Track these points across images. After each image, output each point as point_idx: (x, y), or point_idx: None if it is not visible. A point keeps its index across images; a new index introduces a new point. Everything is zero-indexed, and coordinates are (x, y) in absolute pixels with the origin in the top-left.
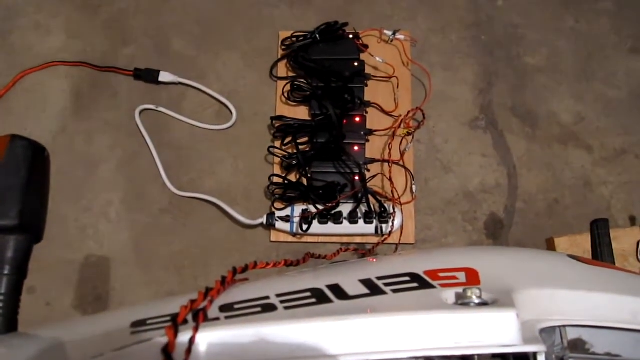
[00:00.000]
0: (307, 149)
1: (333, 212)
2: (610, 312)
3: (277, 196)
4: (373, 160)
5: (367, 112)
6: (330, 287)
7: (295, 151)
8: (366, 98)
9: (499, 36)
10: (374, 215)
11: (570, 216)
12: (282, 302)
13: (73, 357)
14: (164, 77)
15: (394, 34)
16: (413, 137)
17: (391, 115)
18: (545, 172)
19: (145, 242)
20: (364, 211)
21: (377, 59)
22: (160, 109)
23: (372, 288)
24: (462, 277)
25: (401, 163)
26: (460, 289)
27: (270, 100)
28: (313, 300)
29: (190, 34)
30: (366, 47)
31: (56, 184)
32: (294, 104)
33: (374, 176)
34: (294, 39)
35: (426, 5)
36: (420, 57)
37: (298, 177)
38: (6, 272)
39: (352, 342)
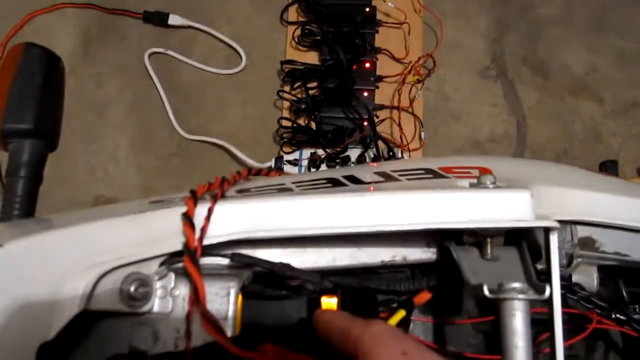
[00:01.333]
0: (317, 94)
1: (341, 155)
2: (622, 212)
3: (285, 140)
4: (382, 107)
5: (377, 59)
6: (346, 176)
7: (304, 95)
8: (377, 44)
9: None
10: (382, 160)
11: (578, 166)
12: (297, 186)
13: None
14: (174, 20)
15: None
16: (423, 85)
17: (401, 62)
18: (555, 122)
19: (154, 185)
20: (372, 156)
21: (389, 4)
22: (170, 52)
23: (387, 177)
24: (475, 172)
25: (410, 110)
26: (474, 180)
27: (280, 45)
28: (328, 185)
29: None
30: None
31: (66, 127)
32: (304, 48)
33: (382, 120)
34: None
35: None
36: (433, 4)
37: (307, 121)
38: (22, 174)
39: (365, 217)
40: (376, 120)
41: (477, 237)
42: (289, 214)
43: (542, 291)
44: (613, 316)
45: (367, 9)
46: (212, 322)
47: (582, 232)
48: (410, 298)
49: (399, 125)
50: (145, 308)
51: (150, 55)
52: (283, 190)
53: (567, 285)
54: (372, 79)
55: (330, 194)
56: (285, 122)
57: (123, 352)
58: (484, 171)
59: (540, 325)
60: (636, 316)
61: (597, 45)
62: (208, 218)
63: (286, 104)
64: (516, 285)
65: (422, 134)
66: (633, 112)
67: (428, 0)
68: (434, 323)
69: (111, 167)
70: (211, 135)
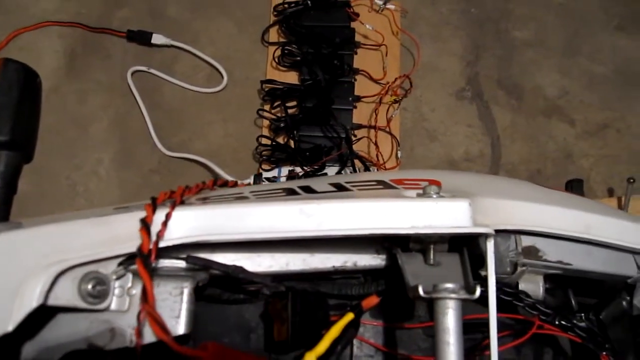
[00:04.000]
0: (296, 113)
1: (319, 173)
2: (564, 223)
3: (264, 157)
4: (360, 126)
5: (355, 79)
6: (301, 187)
7: (284, 114)
8: (355, 65)
9: (489, 10)
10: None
11: (550, 185)
12: (254, 195)
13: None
14: (157, 39)
15: (385, 3)
16: (400, 105)
17: (379, 83)
18: (529, 143)
19: (134, 200)
20: (349, 174)
21: (367, 26)
22: (152, 70)
23: (340, 187)
24: (424, 184)
25: (387, 129)
26: (420, 191)
27: (261, 65)
28: (282, 194)
29: None
30: (357, 15)
31: (48, 142)
32: (284, 69)
33: (359, 139)
34: (286, 5)
35: None
36: (410, 28)
37: (286, 139)
38: None
39: (311, 223)
40: (354, 139)
41: (422, 244)
42: (240, 219)
43: (473, 292)
44: (557, 323)
45: (346, 31)
46: (157, 322)
47: (527, 241)
48: (360, 302)
49: (376, 144)
50: (103, 305)
51: (133, 73)
52: (240, 198)
53: (513, 292)
54: (350, 98)
55: (280, 201)
56: (264, 140)
57: (81, 348)
58: (432, 183)
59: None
60: (582, 324)
61: (569, 68)
62: (165, 223)
63: (266, 122)
64: (448, 285)
65: (399, 153)
66: (603, 133)
67: (406, 23)
68: (385, 327)
69: (92, 182)
70: (192, 153)
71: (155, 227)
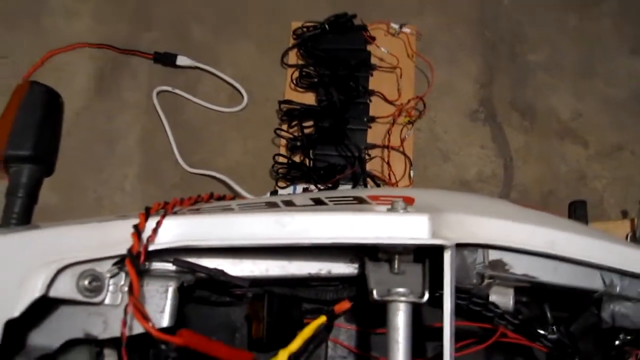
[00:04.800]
0: (312, 132)
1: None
2: (529, 239)
3: (280, 175)
4: (374, 146)
5: (370, 100)
6: (283, 201)
7: (300, 134)
8: (370, 87)
9: (503, 33)
10: None
11: (563, 208)
12: (239, 207)
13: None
14: (182, 60)
15: (401, 27)
16: (413, 125)
17: (393, 104)
18: (541, 164)
19: None
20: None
21: (383, 49)
22: (177, 91)
23: (318, 202)
24: (399, 201)
25: (401, 149)
26: (390, 206)
27: (280, 86)
28: (264, 206)
29: (209, 22)
30: (373, 38)
31: (77, 158)
32: (302, 90)
33: (372, 158)
34: (305, 29)
35: (433, 2)
36: (425, 51)
37: (302, 158)
38: (20, 194)
39: (287, 232)
40: (368, 158)
41: (388, 254)
42: (222, 228)
43: (422, 297)
44: (525, 332)
45: (362, 54)
46: (139, 310)
47: (494, 255)
48: (333, 306)
49: (388, 163)
50: (98, 299)
51: (158, 93)
52: (226, 209)
53: (483, 303)
54: (364, 119)
55: (260, 213)
56: (281, 159)
57: (78, 336)
58: (406, 200)
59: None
60: (553, 336)
61: (583, 91)
62: (155, 230)
63: (283, 141)
64: (399, 290)
65: (411, 172)
66: (617, 155)
67: (421, 46)
68: (358, 331)
69: (117, 196)
70: (212, 169)
71: (146, 233)
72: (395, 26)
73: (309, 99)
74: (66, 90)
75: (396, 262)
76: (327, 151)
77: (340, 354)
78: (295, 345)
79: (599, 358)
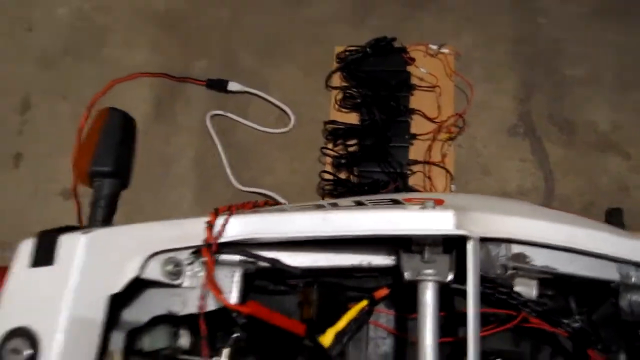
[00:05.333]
0: (356, 150)
1: None
2: (549, 234)
3: (327, 191)
4: (415, 162)
5: (411, 118)
6: (330, 203)
7: (345, 152)
8: (411, 105)
9: (541, 50)
10: None
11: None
12: (292, 208)
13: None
14: (233, 86)
15: (439, 48)
16: (453, 142)
17: (434, 122)
18: (582, 176)
19: None
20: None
21: (422, 70)
22: (228, 114)
23: (359, 203)
24: (430, 201)
25: (442, 165)
26: (421, 205)
27: (325, 108)
28: (313, 207)
29: (256, 49)
30: (413, 59)
31: (137, 179)
32: (346, 110)
33: (413, 173)
34: (348, 53)
35: (471, 22)
36: (464, 69)
37: (347, 175)
38: (102, 204)
39: (332, 227)
40: (409, 173)
41: (420, 246)
42: (278, 224)
43: (446, 277)
44: (547, 319)
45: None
46: (215, 286)
47: (516, 249)
48: (373, 292)
49: (429, 178)
50: (178, 282)
51: (211, 116)
52: (280, 210)
53: (507, 292)
54: (406, 136)
55: (310, 211)
56: (327, 176)
57: (162, 313)
58: (437, 201)
59: None
60: (576, 324)
61: (622, 103)
62: (224, 225)
63: (329, 159)
64: (428, 271)
65: (453, 187)
66: None
67: (459, 65)
68: (396, 315)
69: (174, 214)
70: (262, 187)
71: (216, 228)
72: (434, 47)
73: (353, 118)
74: None
75: (426, 252)
76: (370, 168)
77: (380, 335)
78: (341, 324)
79: (621, 346)
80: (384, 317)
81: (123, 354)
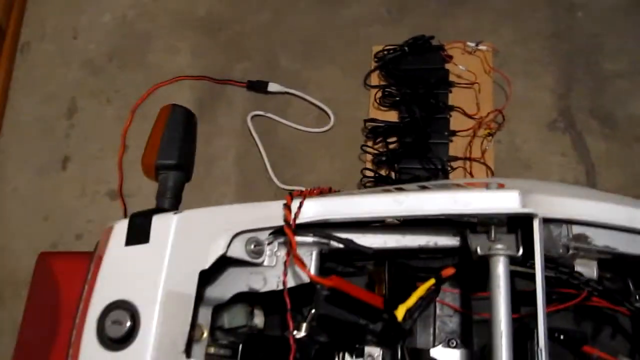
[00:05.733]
0: (396, 148)
1: None
2: (610, 215)
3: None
4: (456, 158)
5: (450, 115)
6: (396, 187)
7: (385, 149)
8: (450, 102)
9: (579, 45)
10: None
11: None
12: (360, 192)
13: None
14: (273, 87)
15: (477, 45)
16: (493, 137)
17: (473, 118)
18: (625, 170)
19: None
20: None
21: (460, 67)
22: (269, 114)
23: (423, 187)
24: (493, 182)
25: (482, 161)
26: (485, 187)
27: (364, 106)
28: (381, 191)
29: (295, 50)
30: (450, 57)
31: None
32: (385, 108)
33: (454, 169)
34: (385, 52)
35: (509, 19)
36: (502, 65)
37: (388, 172)
38: (168, 196)
39: (402, 208)
40: (450, 170)
41: (486, 227)
42: (351, 205)
43: (517, 251)
44: (608, 298)
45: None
46: (298, 259)
47: (578, 230)
48: (440, 271)
49: (470, 174)
50: (259, 260)
51: (252, 117)
52: (350, 194)
53: (569, 272)
54: (445, 133)
55: (380, 194)
56: (368, 173)
57: (244, 290)
58: (499, 185)
59: None
60: (637, 304)
61: None
62: (299, 207)
63: (369, 157)
64: (499, 246)
65: None
66: None
67: (497, 62)
68: (461, 294)
69: None
70: (303, 185)
71: (293, 210)
72: (472, 44)
73: (392, 116)
74: None
75: (492, 231)
76: (411, 164)
77: (447, 313)
78: (411, 301)
79: None
80: (450, 295)
81: (210, 328)
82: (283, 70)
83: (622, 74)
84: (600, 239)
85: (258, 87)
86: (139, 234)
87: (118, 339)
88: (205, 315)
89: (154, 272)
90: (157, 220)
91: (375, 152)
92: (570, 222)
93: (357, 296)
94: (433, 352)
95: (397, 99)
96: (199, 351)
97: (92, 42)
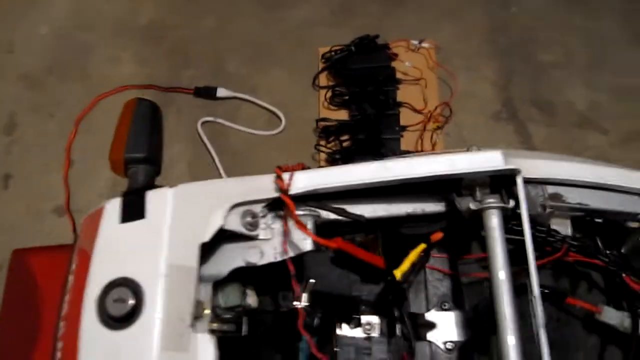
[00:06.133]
0: (349, 145)
1: None
2: (581, 174)
3: None
4: (407, 152)
5: (400, 111)
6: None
7: (338, 147)
8: (398, 99)
9: (515, 38)
10: None
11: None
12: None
13: None
14: (221, 92)
15: (420, 42)
16: (442, 130)
17: (421, 113)
18: (566, 153)
19: None
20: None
21: (407, 63)
22: (219, 120)
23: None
24: (474, 146)
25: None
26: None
27: (314, 107)
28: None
29: (242, 55)
30: (396, 55)
31: None
32: (335, 108)
33: None
34: (333, 53)
35: (448, 16)
36: (445, 62)
37: None
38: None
39: (391, 173)
40: None
41: (470, 189)
42: (340, 175)
43: (508, 202)
44: (583, 252)
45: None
46: (299, 222)
47: (552, 190)
48: (428, 236)
49: None
50: (255, 233)
51: (202, 123)
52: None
53: (546, 230)
54: (396, 128)
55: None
56: None
57: (241, 265)
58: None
59: None
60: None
61: (597, 83)
62: (290, 178)
63: (323, 155)
64: (491, 199)
65: None
66: (636, 139)
67: (441, 57)
68: (449, 258)
69: None
70: None
71: (285, 180)
72: (415, 42)
73: (343, 115)
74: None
75: (477, 191)
76: (364, 161)
77: (437, 277)
78: (405, 266)
79: None
80: (439, 261)
81: (212, 304)
82: (231, 76)
83: (557, 65)
84: (574, 197)
85: (206, 93)
86: (134, 210)
87: (121, 317)
88: (205, 291)
89: (155, 246)
90: (152, 196)
91: (329, 150)
92: (546, 182)
93: (360, 257)
94: (428, 315)
95: (347, 97)
96: (202, 327)
97: (30, 56)
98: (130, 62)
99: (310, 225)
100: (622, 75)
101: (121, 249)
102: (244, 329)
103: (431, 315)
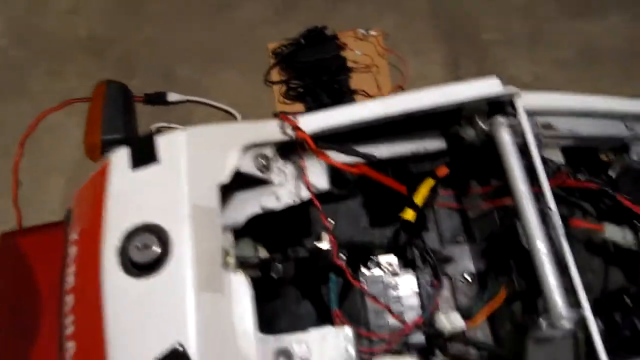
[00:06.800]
0: None
1: None
2: (568, 103)
3: None
4: None
5: (355, 99)
6: None
7: None
8: (352, 87)
9: (457, 21)
10: None
11: None
12: None
13: None
14: (172, 97)
15: (367, 31)
16: None
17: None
18: None
19: None
20: None
21: (357, 52)
22: (172, 125)
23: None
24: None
25: None
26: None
27: (270, 103)
28: None
29: (190, 59)
30: (345, 45)
31: None
32: (290, 102)
33: None
34: (283, 48)
35: (389, 6)
36: (394, 47)
37: None
38: None
39: (393, 109)
40: None
41: (469, 119)
42: (345, 115)
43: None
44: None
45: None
46: (321, 152)
47: (542, 120)
48: (434, 171)
49: None
50: (269, 177)
51: (155, 130)
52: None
53: (542, 159)
54: None
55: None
56: None
57: (258, 212)
58: None
59: None
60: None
61: (537, 57)
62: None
63: None
64: (501, 119)
65: None
66: None
67: (389, 44)
68: (454, 194)
69: None
70: None
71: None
72: (362, 31)
73: (299, 108)
74: (64, 145)
75: (478, 120)
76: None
77: (446, 214)
78: (423, 191)
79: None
80: (445, 198)
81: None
82: (181, 81)
83: (498, 42)
84: (563, 125)
85: (156, 99)
86: (145, 155)
87: (148, 264)
88: (227, 240)
89: (175, 189)
90: (165, 139)
91: None
92: (535, 113)
93: (383, 182)
94: (443, 251)
95: (302, 90)
96: (232, 271)
97: None
98: (72, 76)
99: (324, 165)
100: (561, 48)
101: (137, 195)
102: (278, 269)
103: (447, 250)
